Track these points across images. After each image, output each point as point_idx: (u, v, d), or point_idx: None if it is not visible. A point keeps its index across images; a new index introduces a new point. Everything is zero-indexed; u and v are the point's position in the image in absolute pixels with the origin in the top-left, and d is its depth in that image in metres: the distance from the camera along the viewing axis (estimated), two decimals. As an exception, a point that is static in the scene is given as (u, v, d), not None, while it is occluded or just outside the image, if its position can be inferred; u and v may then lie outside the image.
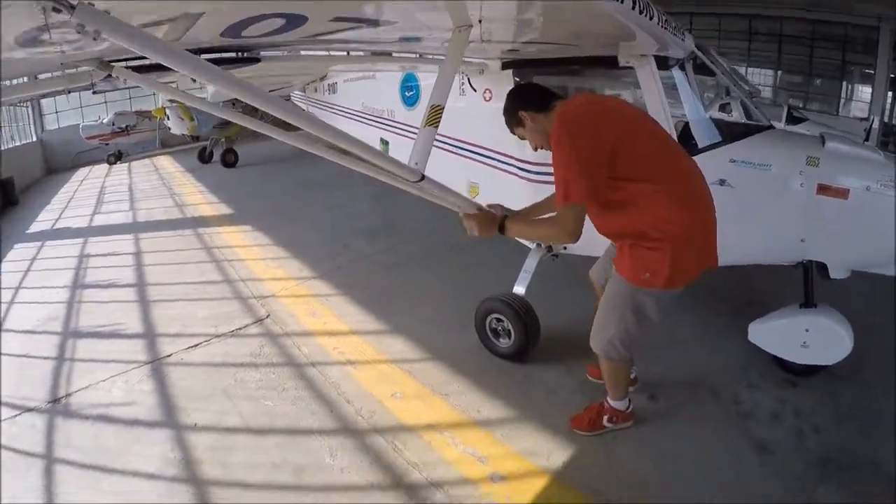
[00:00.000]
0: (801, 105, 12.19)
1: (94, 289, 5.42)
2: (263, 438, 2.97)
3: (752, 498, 2.44)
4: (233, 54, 2.75)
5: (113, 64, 2.42)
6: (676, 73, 3.13)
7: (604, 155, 2.10)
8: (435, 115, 2.30)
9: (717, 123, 3.26)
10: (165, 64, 1.43)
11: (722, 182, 2.94)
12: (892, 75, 10.28)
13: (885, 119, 10.86)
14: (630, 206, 2.21)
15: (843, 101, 12.69)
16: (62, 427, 3.17)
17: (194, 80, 3.03)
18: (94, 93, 3.71)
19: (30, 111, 14.98)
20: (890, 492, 2.42)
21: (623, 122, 2.24)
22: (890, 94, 10.84)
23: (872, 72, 10.91)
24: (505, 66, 3.52)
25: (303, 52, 3.56)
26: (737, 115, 5.38)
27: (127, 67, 2.51)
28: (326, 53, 3.71)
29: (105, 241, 7.14)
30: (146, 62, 2.59)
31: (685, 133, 3.13)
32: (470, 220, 2.57)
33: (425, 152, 2.28)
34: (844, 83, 12.64)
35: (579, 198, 2.09)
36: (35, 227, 8.72)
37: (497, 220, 2.52)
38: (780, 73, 14.14)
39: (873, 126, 8.68)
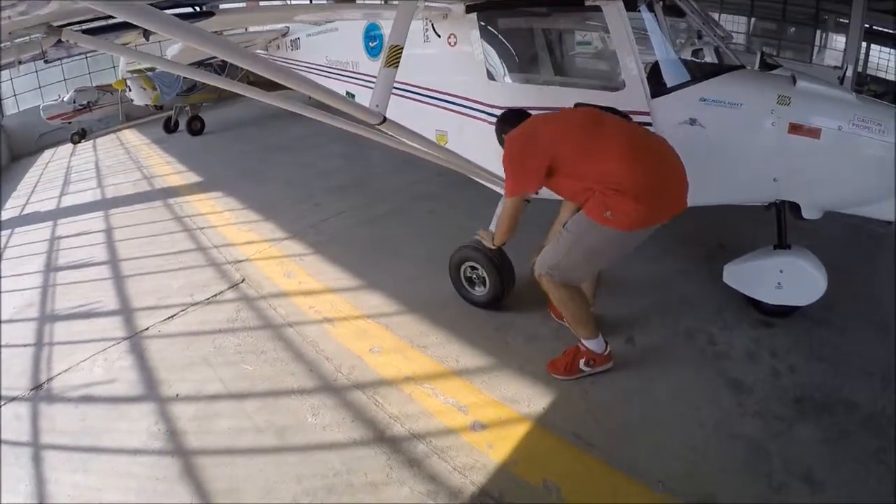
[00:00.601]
0: (774, 53, 12.15)
1: (68, 270, 5.31)
2: (245, 403, 2.96)
3: (732, 436, 2.48)
4: (187, 9, 2.64)
5: (62, 28, 2.30)
6: (645, 13, 3.06)
7: (530, 162, 2.61)
8: (394, 56, 2.28)
9: (687, 63, 3.22)
10: (127, 20, 1.35)
11: (692, 121, 2.93)
12: (866, 25, 10.21)
13: (859, 69, 10.84)
14: (582, 180, 2.55)
15: (816, 49, 12.66)
16: (46, 413, 3.13)
17: (147, 39, 2.88)
18: (46, 62, 3.52)
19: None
20: (865, 429, 2.48)
21: (555, 131, 2.67)
22: (864, 43, 10.81)
23: (846, 20, 10.79)
24: (469, 9, 3.45)
25: (261, 3, 3.45)
26: (709, 61, 5.40)
27: (77, 31, 2.39)
28: (285, 2, 3.57)
29: (75, 222, 6.96)
30: (97, 24, 2.47)
31: (654, 73, 3.09)
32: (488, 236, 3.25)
33: (385, 94, 2.26)
34: (818, 31, 12.59)
35: (508, 195, 2.76)
36: (2, 216, 8.45)
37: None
38: (753, 20, 14.04)
39: (847, 75, 8.68)
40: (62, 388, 3.31)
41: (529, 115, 2.91)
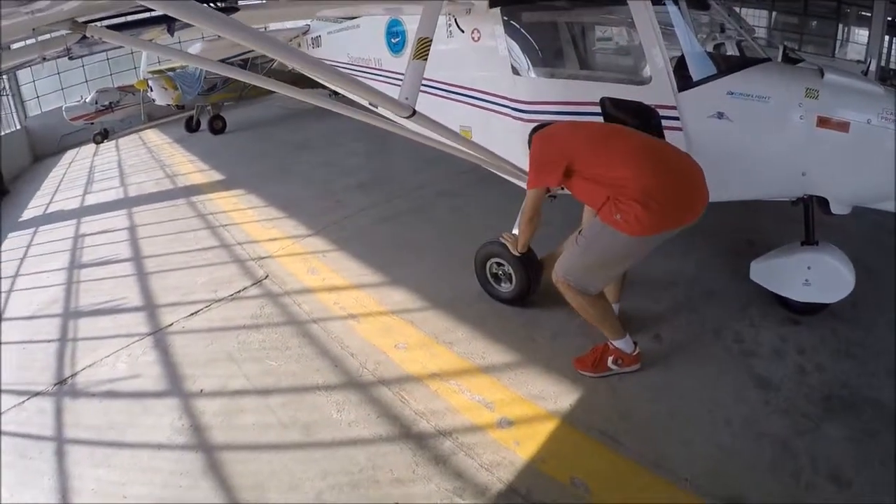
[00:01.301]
0: (796, 47, 11.96)
1: (92, 267, 5.36)
2: (270, 398, 2.97)
3: (759, 434, 2.45)
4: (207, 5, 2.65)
5: (87, 24, 2.32)
6: (670, 5, 3.03)
7: (553, 158, 2.70)
8: (423, 48, 2.28)
9: (713, 56, 3.19)
10: (159, 10, 1.36)
11: (720, 115, 2.89)
12: (889, 18, 10.03)
13: (882, 62, 10.64)
14: (597, 185, 2.60)
15: (839, 43, 12.45)
16: (70, 407, 3.16)
17: (171, 34, 2.89)
18: (70, 58, 3.55)
19: (10, 100, 14.51)
20: (892, 429, 2.44)
21: (575, 133, 2.79)
22: (887, 37, 10.61)
23: (869, 14, 10.64)
24: (492, 3, 3.43)
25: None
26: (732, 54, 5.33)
27: (102, 27, 2.41)
28: None
29: (98, 220, 7.03)
30: (121, 20, 2.49)
31: (680, 66, 3.05)
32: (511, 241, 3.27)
33: (415, 86, 2.27)
34: (840, 25, 12.37)
35: (530, 186, 2.84)
36: (27, 215, 8.60)
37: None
38: (774, 14, 13.82)
39: (870, 69, 8.55)
40: (86, 384, 3.33)
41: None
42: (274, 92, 2.51)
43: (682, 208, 2.52)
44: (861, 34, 11.73)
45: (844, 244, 3.10)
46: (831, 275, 2.96)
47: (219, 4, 2.75)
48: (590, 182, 2.63)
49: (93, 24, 2.37)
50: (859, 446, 2.35)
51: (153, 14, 2.41)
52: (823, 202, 2.96)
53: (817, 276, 2.98)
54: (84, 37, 2.38)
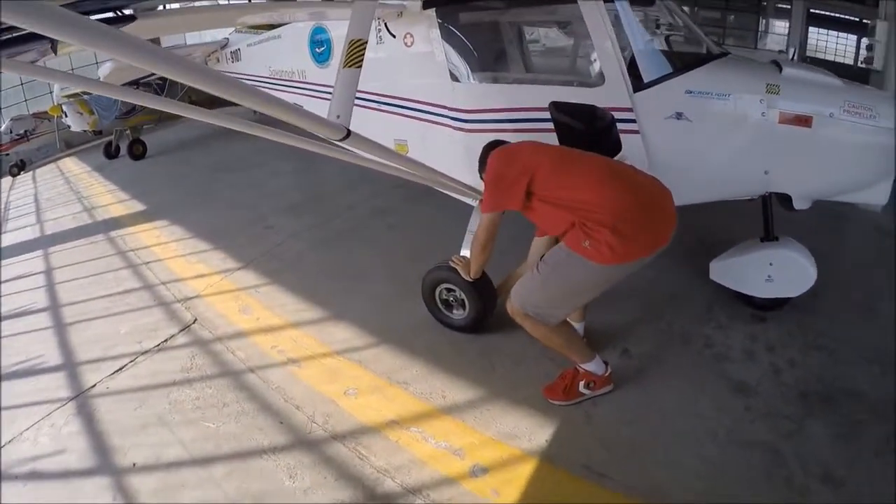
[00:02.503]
0: (719, 40, 12.35)
1: (7, 320, 4.83)
2: (212, 468, 2.61)
3: (746, 444, 2.39)
4: (101, 15, 2.22)
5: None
6: (619, 1, 2.86)
7: (513, 179, 2.47)
8: (356, 54, 1.94)
9: (668, 54, 3.05)
10: (30, 27, 1.00)
11: (679, 115, 2.79)
12: (810, 9, 10.51)
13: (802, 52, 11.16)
14: (561, 209, 2.40)
15: (759, 35, 12.97)
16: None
17: (55, 52, 2.44)
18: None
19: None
20: (875, 417, 2.45)
21: (536, 151, 2.57)
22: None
23: (788, 6, 11.11)
24: (426, 4, 3.21)
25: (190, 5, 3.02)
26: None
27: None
28: (216, 3, 3.15)
29: (14, 264, 6.43)
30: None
31: (633, 66, 2.90)
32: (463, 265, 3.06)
33: (348, 101, 1.92)
34: (760, 18, 12.91)
35: (486, 210, 2.61)
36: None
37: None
38: (696, 8, 14.29)
39: (794, 59, 8.92)
40: (8, 464, 2.90)
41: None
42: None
43: (655, 232, 2.36)
44: (778, 26, 12.19)
45: (790, 231, 3.12)
46: (794, 269, 2.96)
47: (117, 13, 2.33)
48: (552, 206, 2.42)
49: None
50: (846, 441, 2.35)
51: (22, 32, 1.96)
52: (785, 198, 2.94)
53: (780, 272, 2.98)
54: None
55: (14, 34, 1.98)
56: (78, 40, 1.12)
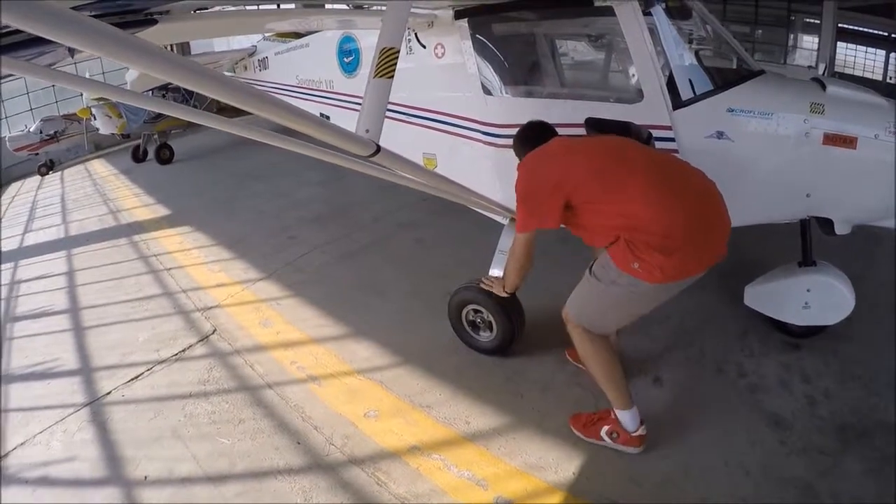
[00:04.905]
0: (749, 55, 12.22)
1: (26, 320, 4.85)
2: (224, 486, 2.54)
3: (780, 480, 2.29)
4: (117, 19, 2.15)
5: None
6: (659, 14, 2.77)
7: (547, 193, 2.27)
8: (387, 63, 1.81)
9: (709, 70, 2.93)
10: (30, 30, 0.93)
11: (720, 135, 2.67)
12: (839, 24, 10.36)
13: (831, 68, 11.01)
14: (603, 219, 2.25)
15: (788, 50, 12.82)
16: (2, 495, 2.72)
17: (72, 56, 2.38)
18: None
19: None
20: None
21: (574, 159, 2.32)
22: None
23: (817, 21, 10.91)
24: (458, 14, 3.13)
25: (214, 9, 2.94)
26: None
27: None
28: (243, 7, 3.06)
29: (37, 263, 6.48)
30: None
31: (673, 82, 2.80)
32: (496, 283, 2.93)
33: (378, 115, 1.79)
34: (789, 33, 12.77)
35: (521, 230, 2.42)
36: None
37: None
38: (725, 23, 14.17)
39: (825, 74, 8.78)
40: (18, 467, 2.88)
41: (553, 131, 2.58)
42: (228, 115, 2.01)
43: (708, 246, 2.20)
44: (807, 41, 12.03)
45: (821, 252, 2.98)
46: (832, 296, 2.84)
47: (138, 17, 2.26)
48: (594, 216, 2.26)
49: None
50: (877, 477, 2.26)
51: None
52: (825, 222, 2.80)
53: (817, 299, 2.86)
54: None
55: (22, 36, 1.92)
56: (83, 44, 1.04)
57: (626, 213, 2.14)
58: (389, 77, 1.82)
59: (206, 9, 2.91)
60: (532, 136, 2.55)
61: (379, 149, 1.78)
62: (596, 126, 2.85)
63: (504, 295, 2.86)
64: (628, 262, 2.14)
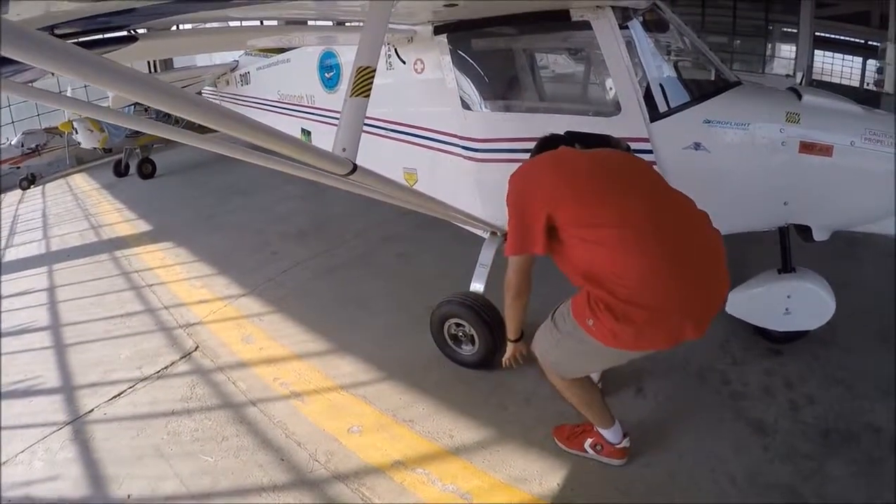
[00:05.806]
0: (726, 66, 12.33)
1: (7, 337, 4.79)
2: (208, 505, 2.53)
3: (766, 486, 2.31)
4: (97, 36, 2.13)
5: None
6: (636, 28, 2.81)
7: (533, 215, 1.99)
8: (363, 82, 1.78)
9: (684, 82, 2.98)
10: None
11: (697, 146, 2.69)
12: (815, 33, 10.60)
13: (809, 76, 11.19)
14: (579, 256, 1.97)
15: (766, 59, 13.02)
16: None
17: (52, 74, 2.36)
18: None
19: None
20: (891, 451, 2.40)
21: (557, 180, 2.03)
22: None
23: (794, 30, 11.18)
24: (437, 30, 3.14)
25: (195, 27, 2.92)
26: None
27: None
28: (226, 24, 3.04)
29: (16, 279, 6.41)
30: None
31: (650, 94, 2.83)
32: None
33: (354, 133, 1.75)
34: (767, 42, 12.97)
35: (510, 252, 2.10)
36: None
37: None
38: (704, 34, 14.34)
39: (802, 83, 8.92)
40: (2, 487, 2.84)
41: (563, 141, 2.34)
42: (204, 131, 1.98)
43: (690, 320, 1.87)
44: (784, 50, 12.24)
45: (803, 258, 3.03)
46: (813, 301, 2.87)
47: (117, 34, 2.24)
48: (572, 248, 1.98)
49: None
50: (866, 480, 2.28)
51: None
52: (803, 229, 2.84)
53: (798, 304, 2.89)
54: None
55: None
56: (51, 66, 0.99)
57: (595, 261, 1.90)
58: (366, 96, 1.80)
59: (188, 25, 2.90)
60: (539, 147, 2.37)
61: (356, 167, 1.77)
62: (573, 139, 2.87)
63: (511, 339, 2.51)
64: (584, 317, 1.94)
